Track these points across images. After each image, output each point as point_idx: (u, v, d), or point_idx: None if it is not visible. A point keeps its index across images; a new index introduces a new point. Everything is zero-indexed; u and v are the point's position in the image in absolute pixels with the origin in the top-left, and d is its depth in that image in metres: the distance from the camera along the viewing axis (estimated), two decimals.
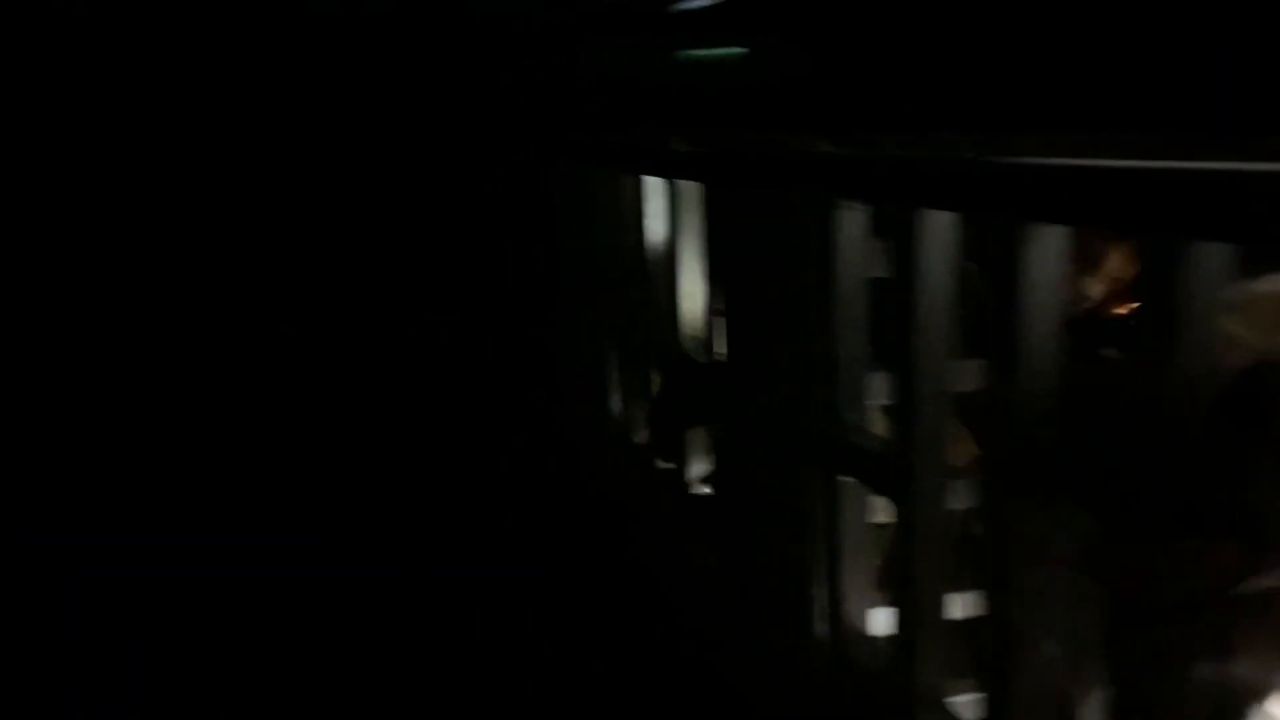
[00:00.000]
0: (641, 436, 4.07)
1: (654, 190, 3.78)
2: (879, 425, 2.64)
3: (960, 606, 2.33)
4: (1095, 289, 2.75)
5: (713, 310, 3.43)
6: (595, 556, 4.16)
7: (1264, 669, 1.99)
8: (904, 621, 2.37)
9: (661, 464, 3.87)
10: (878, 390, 2.59)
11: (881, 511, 2.63)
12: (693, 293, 3.70)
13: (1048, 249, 1.87)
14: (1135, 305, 2.65)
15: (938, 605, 2.30)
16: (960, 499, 2.28)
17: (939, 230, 2.15)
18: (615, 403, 4.25)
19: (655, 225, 3.80)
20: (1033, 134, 1.75)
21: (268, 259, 5.00)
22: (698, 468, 3.72)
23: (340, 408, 4.91)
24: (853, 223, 2.48)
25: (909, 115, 2.12)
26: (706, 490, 3.54)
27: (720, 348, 3.31)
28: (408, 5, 4.24)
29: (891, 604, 2.50)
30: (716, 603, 3.37)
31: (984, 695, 2.18)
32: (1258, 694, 1.94)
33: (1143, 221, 1.63)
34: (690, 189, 3.56)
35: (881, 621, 2.65)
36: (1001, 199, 1.91)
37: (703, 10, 3.22)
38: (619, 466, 4.27)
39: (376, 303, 4.89)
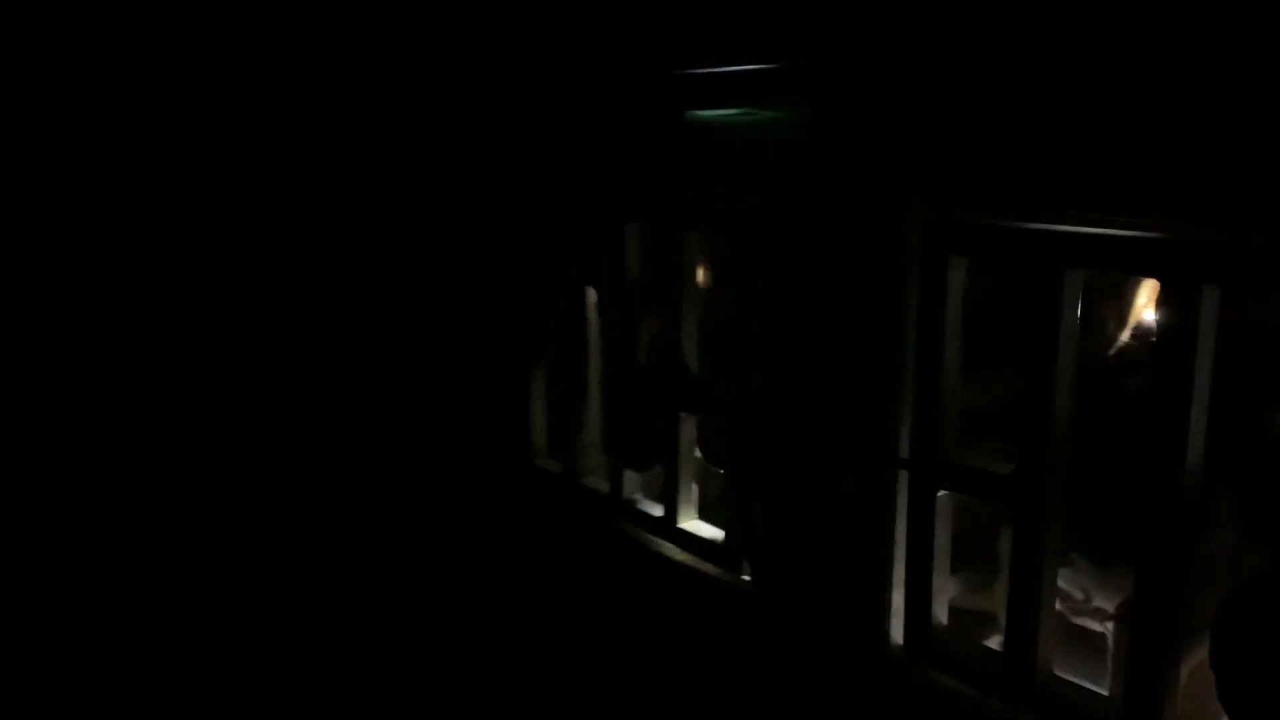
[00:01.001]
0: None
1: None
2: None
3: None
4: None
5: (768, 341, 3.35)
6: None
7: None
8: (1021, 615, 2.69)
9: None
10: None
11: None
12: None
13: None
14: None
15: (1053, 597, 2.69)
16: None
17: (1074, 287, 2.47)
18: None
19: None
20: None
21: (269, 260, 4.88)
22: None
23: (340, 408, 4.82)
24: (960, 269, 2.72)
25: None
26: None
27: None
28: (408, 5, 4.24)
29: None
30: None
31: None
32: None
33: None
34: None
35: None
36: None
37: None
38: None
39: (377, 303, 4.77)
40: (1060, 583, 2.97)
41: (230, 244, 4.73)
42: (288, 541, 4.44)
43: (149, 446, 4.61)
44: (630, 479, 4.07)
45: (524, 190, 4.18)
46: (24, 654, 3.87)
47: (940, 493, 2.81)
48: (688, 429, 3.81)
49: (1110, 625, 2.96)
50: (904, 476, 2.89)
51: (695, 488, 3.91)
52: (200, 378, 4.73)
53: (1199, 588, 2.38)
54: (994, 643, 3.13)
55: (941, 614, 2.91)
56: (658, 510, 3.93)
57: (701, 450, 3.92)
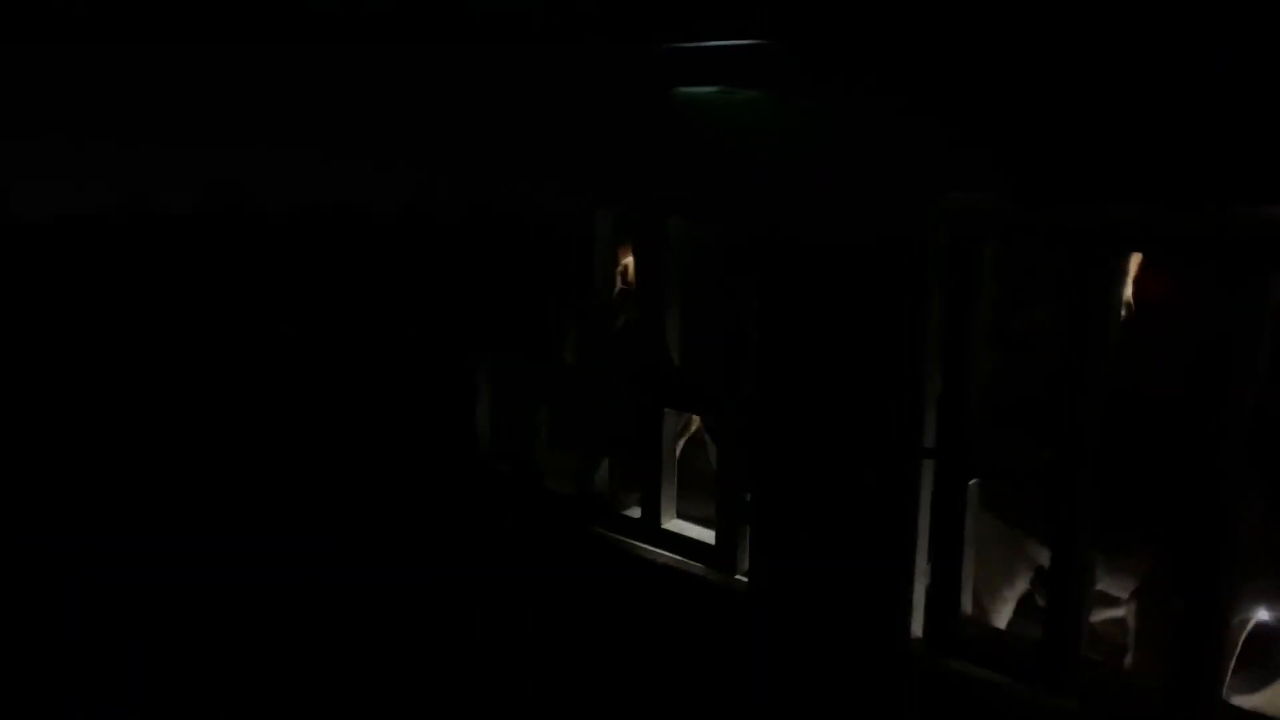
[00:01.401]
0: None
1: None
2: None
3: None
4: None
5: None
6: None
7: None
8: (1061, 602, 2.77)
9: None
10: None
11: None
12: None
13: None
14: None
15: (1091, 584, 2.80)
16: None
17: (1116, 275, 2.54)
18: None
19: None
20: None
21: (270, 262, 4.70)
22: None
23: (341, 409, 4.62)
24: (991, 254, 2.76)
25: None
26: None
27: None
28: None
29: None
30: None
31: None
32: None
33: None
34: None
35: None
36: None
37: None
38: None
39: (378, 309, 4.50)
40: None
41: (232, 244, 4.64)
42: (288, 541, 4.40)
43: (149, 446, 4.52)
44: (600, 480, 4.00)
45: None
46: (24, 654, 3.79)
47: (971, 482, 2.84)
48: (670, 425, 3.77)
49: (1132, 606, 3.08)
50: (927, 467, 2.91)
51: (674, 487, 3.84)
52: (201, 378, 4.64)
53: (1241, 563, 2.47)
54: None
55: (968, 604, 2.94)
56: (635, 511, 3.87)
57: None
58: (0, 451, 4.37)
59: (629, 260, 4.32)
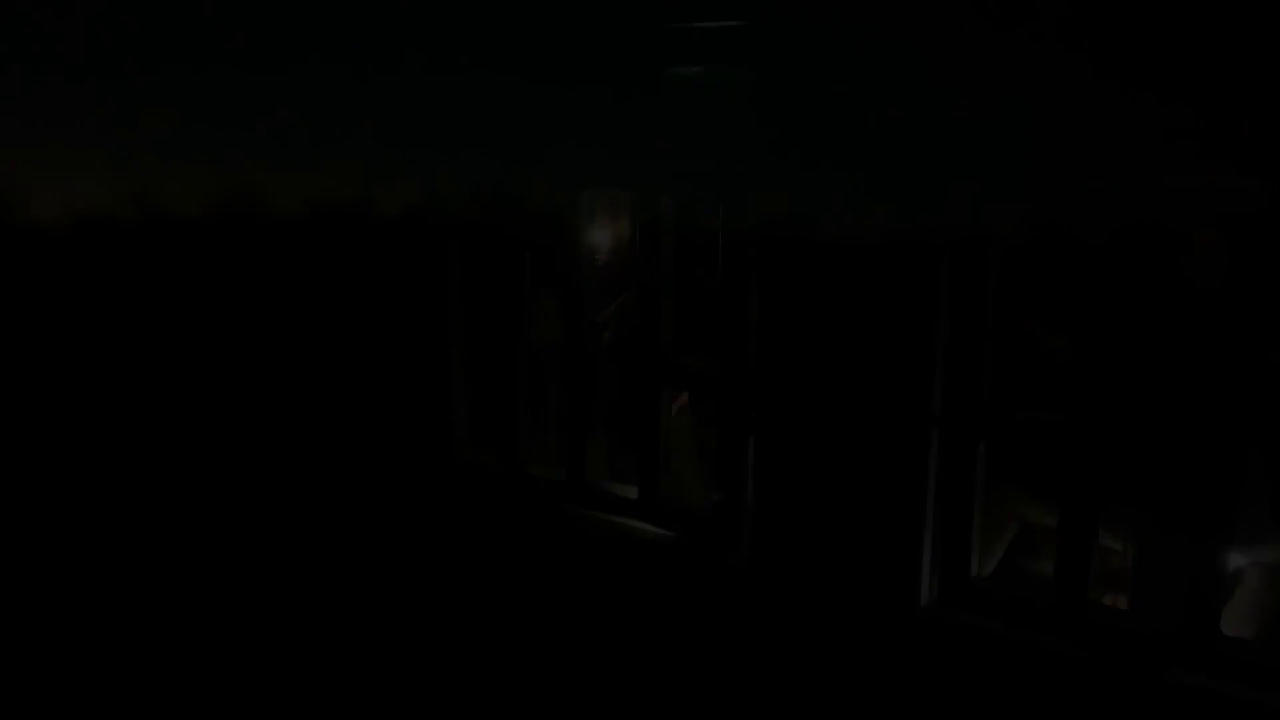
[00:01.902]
0: None
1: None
2: None
3: None
4: None
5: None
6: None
7: None
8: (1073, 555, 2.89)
9: None
10: None
11: None
12: None
13: None
14: None
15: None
16: None
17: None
18: None
19: None
20: None
21: (266, 264, 4.56)
22: None
23: (317, 406, 4.53)
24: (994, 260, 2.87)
25: None
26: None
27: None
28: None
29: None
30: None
31: None
32: None
33: None
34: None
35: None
36: None
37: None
38: None
39: (352, 303, 4.40)
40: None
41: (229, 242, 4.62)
42: (286, 541, 4.40)
43: (148, 446, 4.55)
44: (590, 462, 4.00)
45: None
46: (23, 654, 3.79)
47: (980, 445, 2.92)
48: (667, 404, 3.78)
49: (1132, 555, 3.15)
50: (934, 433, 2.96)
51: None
52: (198, 378, 4.65)
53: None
54: None
55: (975, 564, 3.03)
56: (630, 491, 3.88)
57: None
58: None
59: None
